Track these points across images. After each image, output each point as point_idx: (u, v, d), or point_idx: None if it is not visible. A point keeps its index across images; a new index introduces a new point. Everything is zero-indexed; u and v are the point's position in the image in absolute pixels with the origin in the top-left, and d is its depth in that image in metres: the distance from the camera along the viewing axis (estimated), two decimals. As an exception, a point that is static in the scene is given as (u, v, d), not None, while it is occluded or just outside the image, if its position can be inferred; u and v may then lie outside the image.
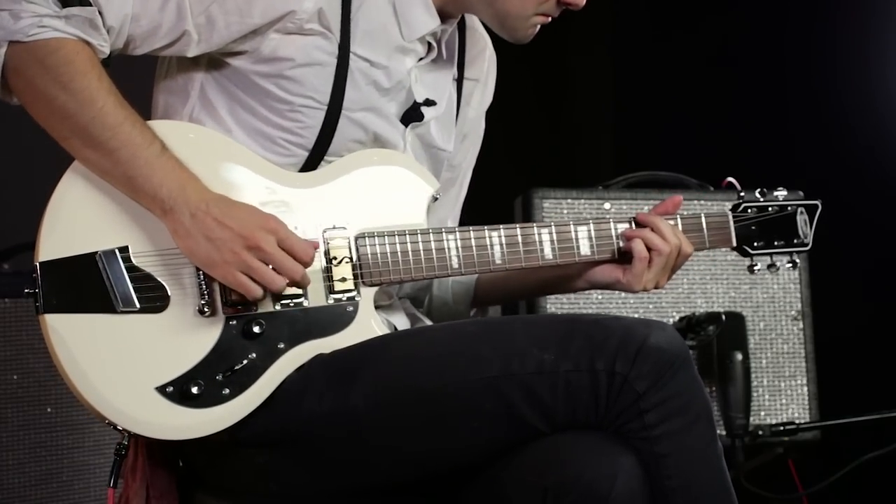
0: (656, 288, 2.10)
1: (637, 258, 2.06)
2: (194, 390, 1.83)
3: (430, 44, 2.10)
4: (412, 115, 2.08)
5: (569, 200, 3.09)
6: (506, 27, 2.07)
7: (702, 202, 3.13)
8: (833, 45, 3.70)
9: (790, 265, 2.26)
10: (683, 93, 4.15)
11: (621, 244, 2.09)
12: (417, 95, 2.08)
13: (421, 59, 2.09)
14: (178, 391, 1.83)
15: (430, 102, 2.10)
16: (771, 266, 2.24)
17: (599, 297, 3.09)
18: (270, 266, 1.83)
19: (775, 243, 2.23)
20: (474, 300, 2.29)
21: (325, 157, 1.99)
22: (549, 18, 2.06)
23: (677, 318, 3.09)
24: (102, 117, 1.81)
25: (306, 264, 1.87)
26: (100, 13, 1.84)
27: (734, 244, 2.20)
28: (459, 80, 2.20)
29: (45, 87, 1.82)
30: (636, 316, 3.06)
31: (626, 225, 2.11)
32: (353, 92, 1.98)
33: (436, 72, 2.13)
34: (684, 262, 2.12)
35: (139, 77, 2.11)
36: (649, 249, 2.06)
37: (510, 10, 2.03)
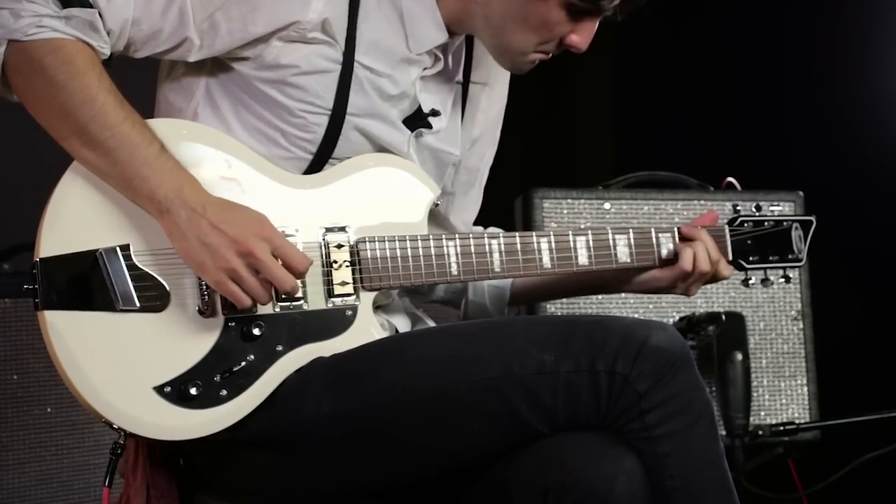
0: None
1: (681, 270, 2.11)
2: (192, 391, 1.83)
3: (436, 55, 2.08)
4: (417, 121, 2.07)
5: (569, 200, 3.08)
6: (505, 58, 2.07)
7: (702, 202, 3.13)
8: (833, 44, 3.70)
9: (783, 279, 2.30)
10: (683, 93, 4.15)
11: (631, 256, 2.11)
12: (424, 105, 2.07)
13: (426, 68, 2.08)
14: (176, 391, 1.83)
15: (435, 112, 2.09)
16: (765, 280, 2.27)
17: (600, 297, 3.09)
18: (261, 274, 1.82)
19: (770, 258, 2.25)
20: (510, 302, 2.30)
21: (330, 160, 1.99)
22: (549, 55, 2.05)
23: (677, 318, 3.09)
24: (102, 116, 1.81)
25: (300, 274, 1.86)
26: (100, 15, 1.84)
27: (730, 258, 2.21)
28: (465, 85, 2.19)
29: (44, 87, 1.82)
30: (636, 316, 3.06)
31: (626, 235, 2.11)
32: (358, 98, 1.98)
33: (440, 81, 2.12)
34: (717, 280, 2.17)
35: (142, 76, 2.11)
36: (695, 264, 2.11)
37: (512, 45, 2.01)
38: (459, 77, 2.17)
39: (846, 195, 3.43)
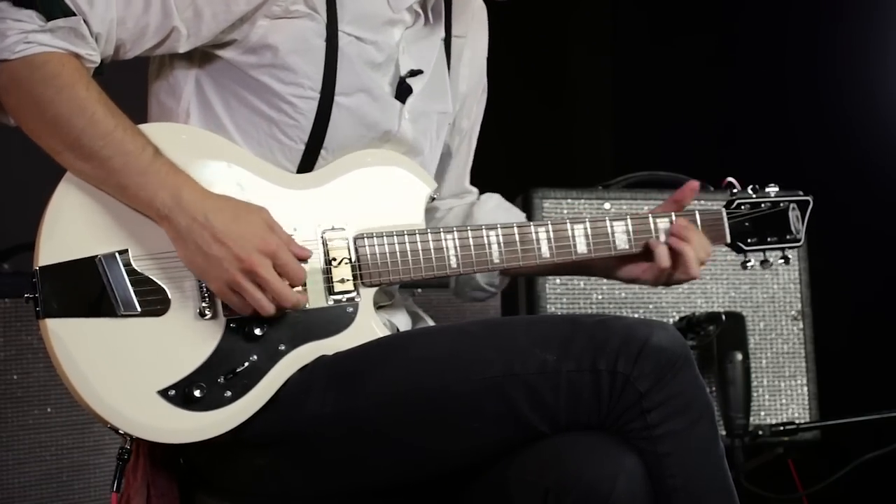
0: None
1: (660, 266, 2.10)
2: (196, 393, 1.83)
3: (416, 11, 2.08)
4: (402, 89, 2.07)
5: (569, 200, 3.09)
6: None
7: (702, 202, 3.13)
8: (833, 44, 3.70)
9: (782, 261, 2.27)
10: (683, 93, 4.15)
11: (630, 243, 2.11)
12: (403, 68, 2.07)
13: (408, 27, 2.08)
14: (181, 394, 1.83)
15: (415, 72, 2.08)
16: (764, 262, 2.25)
17: (599, 297, 3.09)
18: (264, 290, 1.83)
19: (768, 239, 2.24)
20: (502, 272, 2.27)
21: (322, 149, 1.98)
22: None
23: (677, 318, 3.10)
24: (93, 126, 1.81)
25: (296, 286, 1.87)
26: (85, 21, 1.83)
27: (728, 241, 2.21)
28: (448, 40, 2.19)
29: (34, 103, 1.81)
30: (636, 316, 3.06)
31: (624, 222, 2.11)
32: (345, 74, 1.97)
33: (423, 38, 2.12)
34: None
35: (133, 81, 2.11)
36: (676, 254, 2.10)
37: None
38: (443, 34, 2.17)
39: (847, 195, 3.43)
